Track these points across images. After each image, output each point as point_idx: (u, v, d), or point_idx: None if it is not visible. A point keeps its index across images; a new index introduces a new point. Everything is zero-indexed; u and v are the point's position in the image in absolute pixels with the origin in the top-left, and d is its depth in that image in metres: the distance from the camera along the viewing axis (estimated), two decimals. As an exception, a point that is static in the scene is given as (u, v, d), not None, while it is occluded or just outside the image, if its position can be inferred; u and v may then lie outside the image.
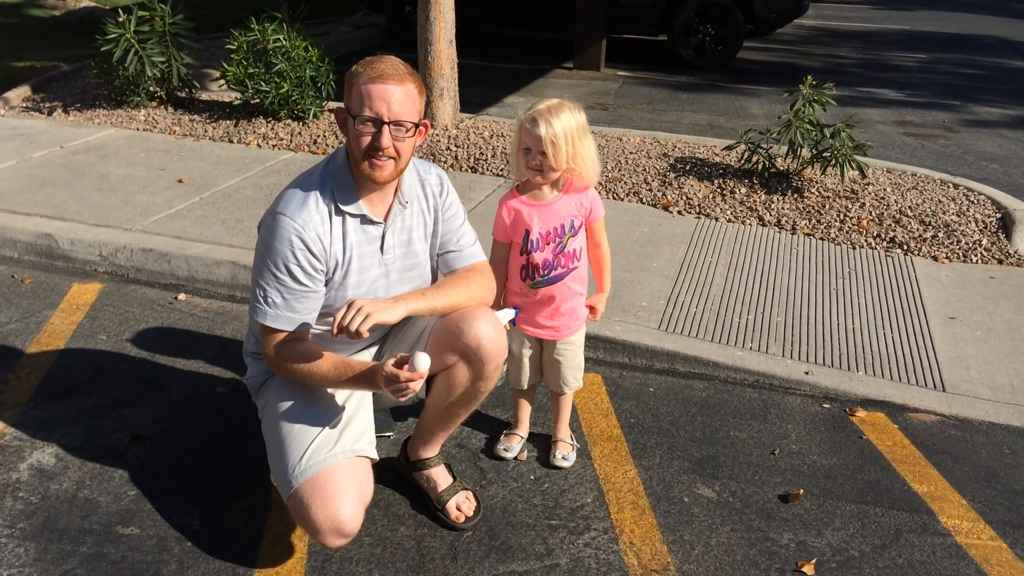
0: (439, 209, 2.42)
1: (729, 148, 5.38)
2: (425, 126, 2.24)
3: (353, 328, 2.02)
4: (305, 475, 2.16)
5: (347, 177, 2.25)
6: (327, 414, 2.29)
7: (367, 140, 2.14)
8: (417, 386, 2.06)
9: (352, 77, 2.16)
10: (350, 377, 2.19)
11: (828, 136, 4.96)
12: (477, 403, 2.45)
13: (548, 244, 2.54)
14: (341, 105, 2.24)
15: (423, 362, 2.02)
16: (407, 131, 2.15)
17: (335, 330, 2.04)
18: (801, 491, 2.69)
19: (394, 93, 2.11)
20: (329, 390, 2.35)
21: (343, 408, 2.33)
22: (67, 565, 2.30)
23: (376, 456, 2.31)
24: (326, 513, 2.11)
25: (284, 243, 2.17)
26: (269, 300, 2.21)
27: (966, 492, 2.74)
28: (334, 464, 2.18)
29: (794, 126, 4.97)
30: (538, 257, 2.55)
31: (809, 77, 5.18)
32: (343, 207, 2.23)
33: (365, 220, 2.28)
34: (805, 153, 5.13)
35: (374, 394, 2.53)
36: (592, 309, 2.71)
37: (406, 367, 2.04)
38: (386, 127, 2.12)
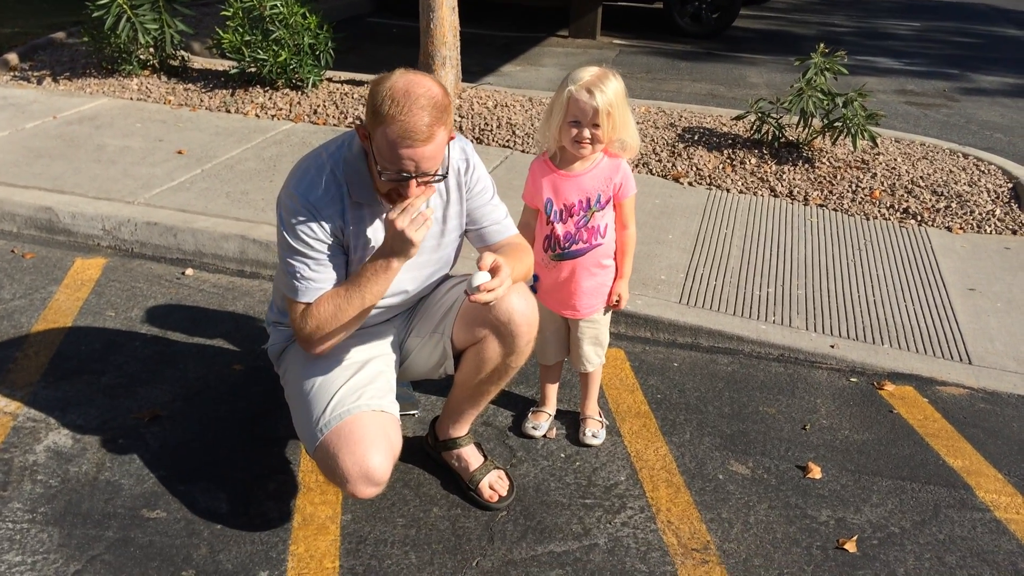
0: (463, 187, 2.30)
1: (739, 118, 5.30)
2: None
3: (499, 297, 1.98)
4: (330, 426, 2.11)
5: (362, 168, 2.14)
6: (348, 371, 2.24)
7: (393, 186, 2.04)
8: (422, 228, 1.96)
9: (378, 113, 1.95)
10: (370, 276, 2.08)
11: (840, 105, 4.90)
12: (507, 379, 2.38)
13: (572, 216, 2.47)
14: (360, 112, 2.10)
15: (480, 277, 1.95)
16: (434, 176, 2.05)
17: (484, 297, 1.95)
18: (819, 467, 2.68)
19: (424, 152, 1.96)
20: (348, 356, 2.27)
21: (364, 367, 2.27)
22: (93, 551, 2.23)
23: (398, 416, 2.25)
24: (354, 459, 2.06)
25: (301, 217, 2.10)
26: (298, 275, 2.13)
27: (1001, 466, 2.72)
28: (359, 414, 2.13)
29: (806, 95, 4.90)
30: (560, 229, 2.49)
31: (821, 45, 5.10)
32: (358, 199, 2.15)
33: (382, 208, 2.19)
34: (816, 123, 5.07)
35: (400, 365, 2.46)
36: (619, 299, 2.61)
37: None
38: (413, 180, 2.01)
